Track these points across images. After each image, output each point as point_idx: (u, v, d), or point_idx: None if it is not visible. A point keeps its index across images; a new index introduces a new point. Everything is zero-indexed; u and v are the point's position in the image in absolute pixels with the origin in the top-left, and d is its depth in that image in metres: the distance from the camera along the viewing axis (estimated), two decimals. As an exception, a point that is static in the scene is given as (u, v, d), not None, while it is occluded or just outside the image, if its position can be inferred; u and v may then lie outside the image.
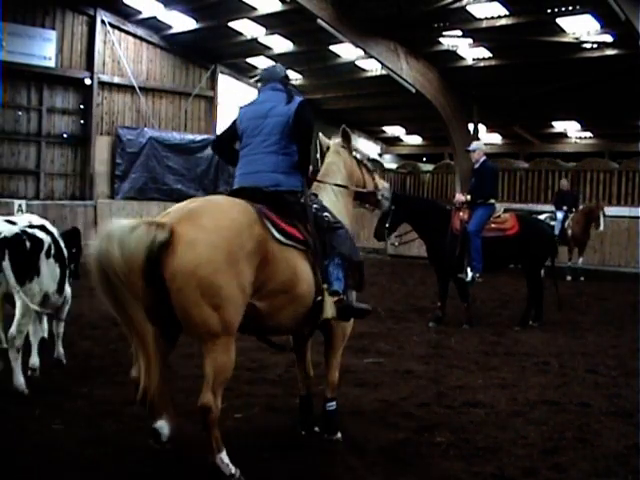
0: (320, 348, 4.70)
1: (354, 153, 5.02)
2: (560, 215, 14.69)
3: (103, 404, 4.95)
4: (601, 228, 14.68)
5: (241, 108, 4.45)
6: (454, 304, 9.18)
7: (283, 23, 19.14)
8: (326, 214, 4.29)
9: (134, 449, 4.02)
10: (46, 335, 6.16)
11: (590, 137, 24.61)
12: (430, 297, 10.55)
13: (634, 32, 13.01)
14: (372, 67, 20.80)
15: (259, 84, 4.67)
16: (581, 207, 15.43)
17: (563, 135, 24.93)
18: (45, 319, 6.19)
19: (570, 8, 15.34)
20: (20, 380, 5.15)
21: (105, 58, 20.23)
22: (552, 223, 14.07)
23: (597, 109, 21.09)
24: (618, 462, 4.15)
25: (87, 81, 19.85)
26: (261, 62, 22.34)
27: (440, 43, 18.49)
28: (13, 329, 5.19)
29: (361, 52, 18.47)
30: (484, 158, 9.04)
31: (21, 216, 6.64)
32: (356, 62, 20.89)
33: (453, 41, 18.29)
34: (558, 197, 15.55)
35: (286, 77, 4.50)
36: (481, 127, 22.82)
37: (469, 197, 8.81)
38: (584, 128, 24.01)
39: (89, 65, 19.90)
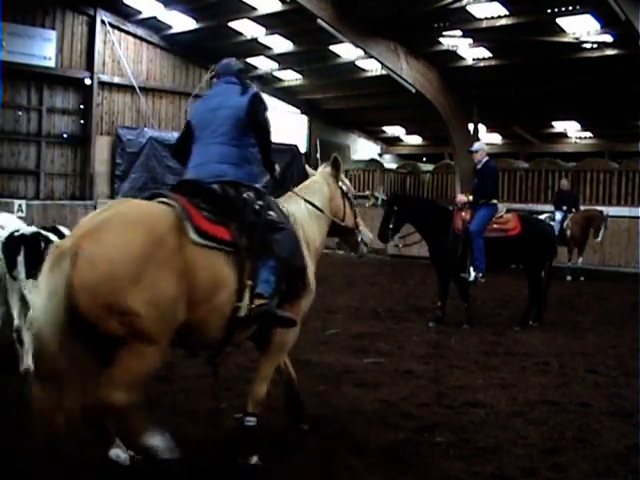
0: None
1: (340, 183, 4.75)
2: (559, 216, 14.68)
3: (103, 404, 4.94)
4: (599, 239, 14.60)
5: (195, 105, 4.33)
6: (454, 304, 9.18)
7: (283, 23, 19.15)
8: (271, 213, 3.98)
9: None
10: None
11: (590, 137, 24.62)
12: (430, 297, 10.54)
13: (634, 32, 13.01)
14: (372, 67, 20.81)
15: (214, 79, 4.49)
16: (583, 208, 15.40)
17: (563, 135, 24.95)
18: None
19: (570, 8, 15.36)
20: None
21: (105, 58, 20.25)
22: (552, 223, 14.06)
23: (597, 109, 21.10)
24: (618, 462, 4.15)
25: (87, 81, 19.86)
26: (261, 62, 22.37)
27: (440, 43, 18.50)
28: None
29: (361, 52, 18.48)
30: (487, 159, 9.04)
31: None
32: (356, 62, 20.90)
33: (453, 41, 18.30)
34: (558, 197, 15.53)
35: (240, 70, 4.34)
36: (481, 127, 22.83)
37: (471, 197, 8.81)
38: (584, 128, 24.02)
39: (89, 65, 19.92)
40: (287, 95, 24.33)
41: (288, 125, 24.47)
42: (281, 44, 20.70)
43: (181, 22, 20.05)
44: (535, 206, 19.06)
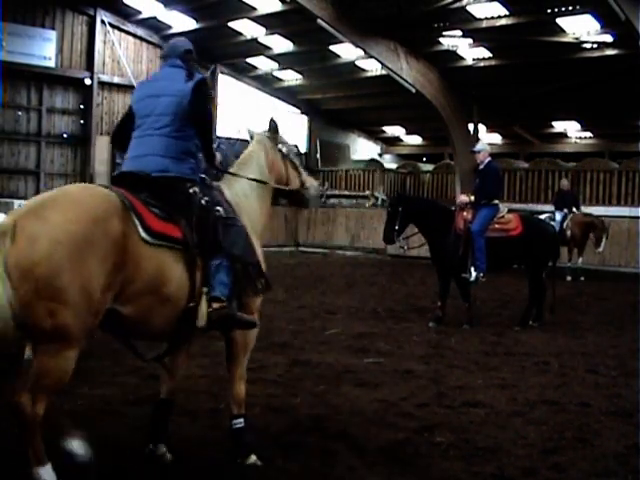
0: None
1: (279, 146, 4.49)
2: (559, 216, 14.68)
3: (103, 404, 4.95)
4: (600, 249, 14.60)
5: (137, 87, 4.12)
6: (454, 304, 9.18)
7: (283, 23, 19.16)
8: (218, 208, 3.79)
9: (134, 449, 4.02)
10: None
11: (590, 137, 24.64)
12: (430, 297, 10.54)
13: (634, 32, 13.02)
14: (372, 67, 20.82)
15: (161, 61, 4.23)
16: (584, 212, 15.36)
17: (563, 135, 24.97)
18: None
19: (570, 8, 15.38)
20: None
21: (105, 58, 20.25)
22: (552, 224, 14.06)
23: (597, 109, 21.12)
24: (618, 462, 4.14)
25: (87, 81, 19.86)
26: (261, 62, 22.38)
27: (440, 43, 18.51)
28: None
29: (361, 52, 18.50)
30: (489, 159, 9.04)
31: None
32: (356, 62, 20.91)
33: (453, 41, 18.32)
34: (558, 197, 15.54)
35: (188, 52, 4.00)
36: (481, 127, 22.85)
37: (473, 198, 8.81)
38: (584, 128, 24.04)
39: (89, 65, 19.92)
40: (287, 95, 24.33)
41: (288, 125, 24.50)
42: (281, 44, 20.70)
43: (181, 22, 20.05)
44: (535, 206, 19.07)
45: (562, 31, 16.45)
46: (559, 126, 24.26)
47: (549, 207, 16.57)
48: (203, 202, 3.73)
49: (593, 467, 4.06)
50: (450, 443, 4.38)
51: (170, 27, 20.48)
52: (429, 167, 24.25)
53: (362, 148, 27.61)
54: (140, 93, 3.98)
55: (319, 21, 16.27)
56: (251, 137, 4.54)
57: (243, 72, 23.05)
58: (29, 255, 2.99)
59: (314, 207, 5.23)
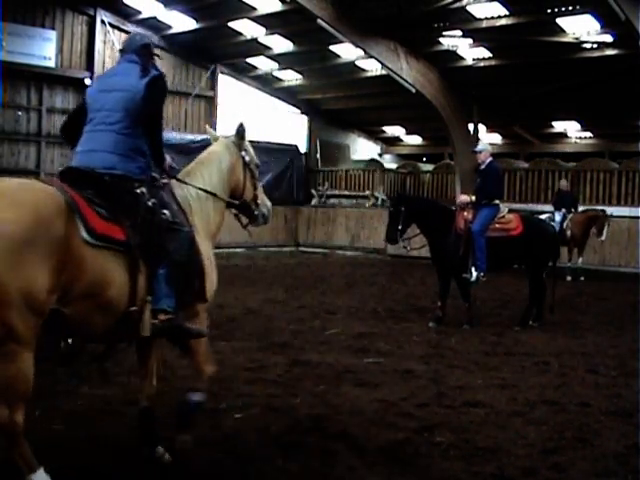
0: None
1: (243, 153, 4.41)
2: (558, 217, 14.69)
3: (103, 404, 4.95)
4: (602, 238, 14.69)
5: (93, 81, 4.10)
6: (454, 304, 9.18)
7: (283, 23, 19.15)
8: (165, 211, 3.69)
9: (134, 449, 4.02)
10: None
11: (590, 137, 24.64)
12: (430, 297, 10.55)
13: (634, 32, 13.02)
14: (372, 67, 20.81)
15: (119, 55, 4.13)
16: (583, 209, 15.41)
17: (563, 135, 24.96)
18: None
19: (570, 8, 15.37)
20: None
21: (105, 58, 20.22)
22: (552, 224, 14.07)
23: (597, 109, 21.12)
24: (618, 462, 4.15)
25: (87, 81, 19.80)
26: (261, 62, 22.37)
27: (440, 43, 18.51)
28: None
29: (361, 52, 18.49)
30: (490, 159, 9.05)
31: None
32: (356, 62, 20.90)
33: (453, 41, 18.31)
34: (557, 197, 15.56)
35: (145, 47, 3.89)
36: (481, 127, 22.84)
37: (474, 198, 8.81)
38: (584, 128, 24.04)
39: (89, 65, 19.90)
40: (287, 95, 24.32)
41: (288, 125, 24.50)
42: (281, 44, 20.70)
43: (181, 22, 20.04)
44: (535, 206, 19.06)
45: (562, 31, 16.44)
46: (559, 126, 24.25)
47: (549, 207, 16.57)
48: (150, 204, 3.63)
49: (593, 467, 4.07)
50: (450, 443, 4.38)
51: (170, 27, 20.47)
52: (429, 167, 24.23)
53: (362, 148, 27.60)
54: (94, 87, 3.93)
55: (319, 21, 16.27)
56: (214, 139, 4.50)
57: (243, 72, 23.05)
58: None
59: (257, 226, 5.01)
